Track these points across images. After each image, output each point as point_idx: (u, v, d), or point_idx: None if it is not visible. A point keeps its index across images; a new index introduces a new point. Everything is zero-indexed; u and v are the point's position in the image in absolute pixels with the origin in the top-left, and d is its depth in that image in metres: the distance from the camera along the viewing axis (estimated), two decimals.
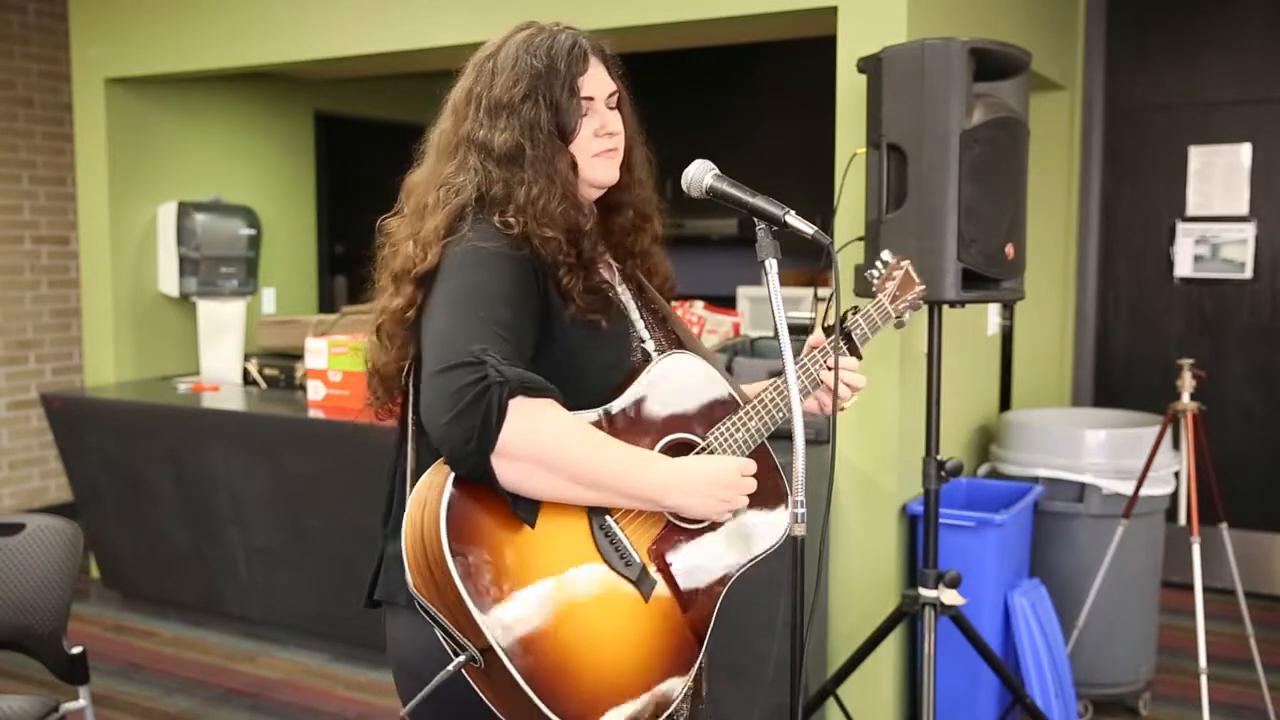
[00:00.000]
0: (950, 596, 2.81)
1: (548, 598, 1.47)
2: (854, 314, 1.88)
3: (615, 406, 1.58)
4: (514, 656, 1.42)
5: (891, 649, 3.32)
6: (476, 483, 1.43)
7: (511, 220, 1.56)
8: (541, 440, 1.42)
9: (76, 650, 2.50)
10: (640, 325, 1.72)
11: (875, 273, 1.99)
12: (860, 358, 1.85)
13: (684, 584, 1.60)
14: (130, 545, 4.64)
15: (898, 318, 1.99)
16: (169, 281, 5.03)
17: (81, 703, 2.55)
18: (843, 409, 1.82)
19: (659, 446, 1.61)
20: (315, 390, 4.23)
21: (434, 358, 1.45)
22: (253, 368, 4.83)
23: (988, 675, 3.20)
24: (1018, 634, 3.28)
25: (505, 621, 1.42)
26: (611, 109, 1.67)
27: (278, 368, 4.73)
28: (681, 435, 1.63)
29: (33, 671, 3.72)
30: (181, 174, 5.20)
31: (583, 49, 1.63)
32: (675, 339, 1.77)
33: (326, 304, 6.10)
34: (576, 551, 1.51)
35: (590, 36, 1.67)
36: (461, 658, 1.45)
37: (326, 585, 4.12)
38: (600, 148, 1.64)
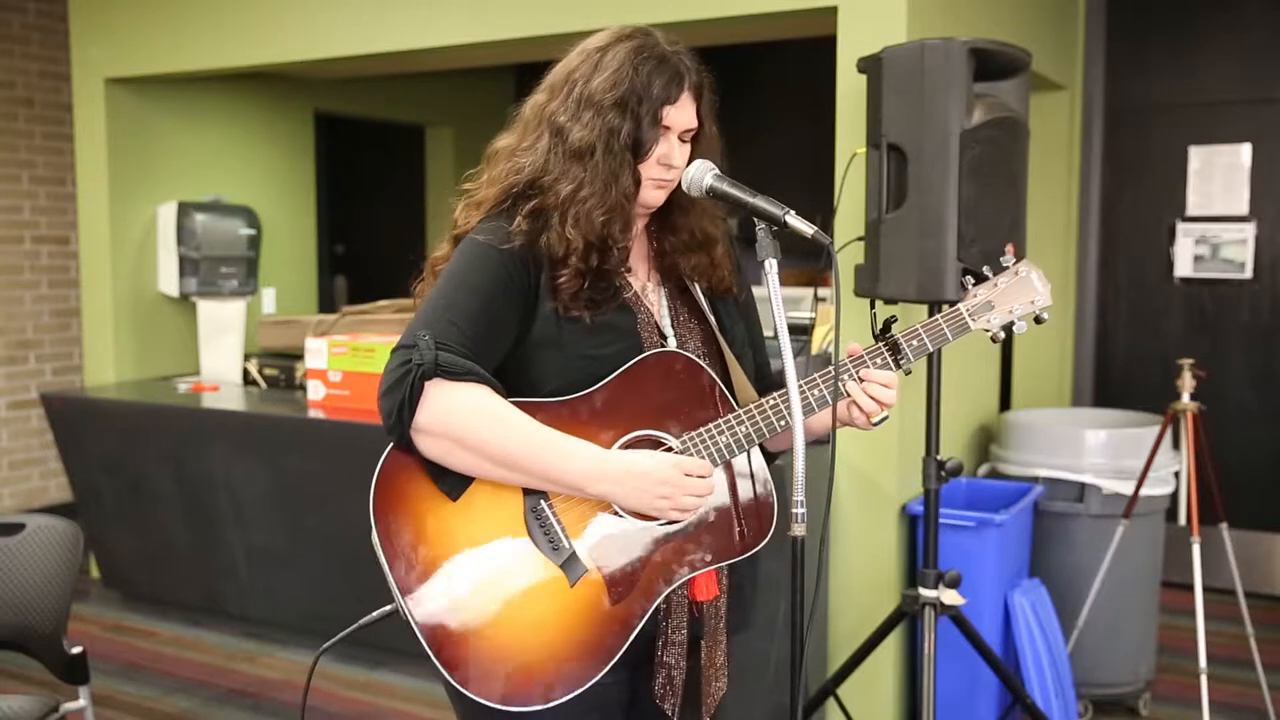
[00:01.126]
0: (950, 596, 2.81)
1: (462, 568, 1.57)
2: (894, 321, 1.75)
3: (580, 395, 1.61)
4: (416, 615, 1.55)
5: (891, 649, 3.32)
6: (413, 452, 1.56)
7: (524, 219, 1.61)
8: (452, 420, 1.52)
9: (76, 650, 2.50)
10: (666, 323, 1.71)
11: (971, 279, 1.81)
12: (908, 372, 1.73)
13: (620, 577, 1.60)
14: (130, 545, 4.64)
15: (990, 331, 1.77)
16: (169, 281, 5.03)
17: (81, 703, 2.55)
18: (873, 424, 1.69)
19: (621, 441, 1.61)
20: (315, 390, 4.23)
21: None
22: (253, 368, 4.83)
23: (988, 675, 3.20)
24: (1018, 634, 3.28)
25: (413, 581, 1.56)
26: (684, 142, 1.68)
27: (278, 368, 4.73)
28: (650, 432, 1.63)
29: (33, 671, 3.72)
30: (181, 174, 5.20)
31: (680, 80, 1.65)
32: (707, 338, 1.74)
33: (326, 304, 6.10)
34: (502, 529, 1.58)
35: (696, 65, 1.69)
36: (389, 606, 1.60)
37: (326, 585, 4.12)
38: (656, 175, 1.66)
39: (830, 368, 1.66)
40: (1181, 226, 4.89)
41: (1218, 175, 4.82)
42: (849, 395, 1.67)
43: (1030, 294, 1.79)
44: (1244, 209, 4.78)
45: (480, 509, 1.58)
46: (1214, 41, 4.82)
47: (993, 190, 2.76)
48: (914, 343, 1.71)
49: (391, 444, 1.57)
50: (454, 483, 1.58)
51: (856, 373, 1.68)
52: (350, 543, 4.03)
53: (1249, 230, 4.77)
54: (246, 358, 4.93)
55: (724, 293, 1.79)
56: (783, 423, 1.65)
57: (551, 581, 1.58)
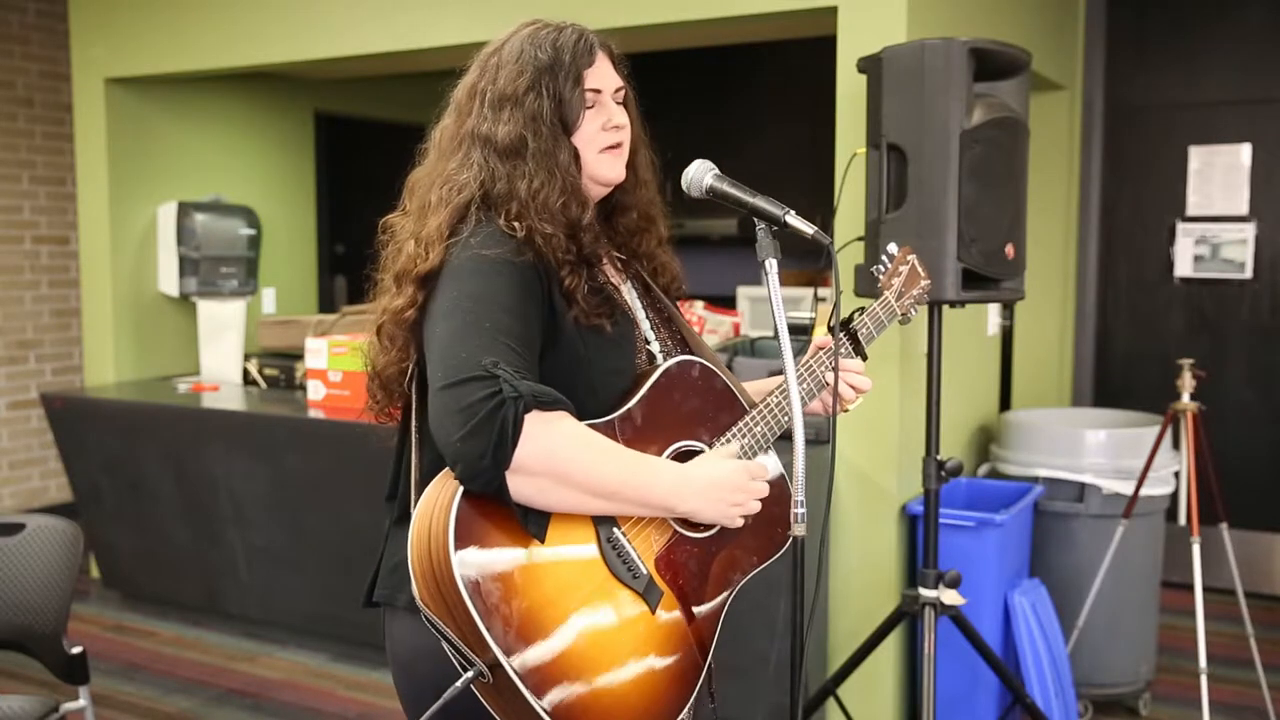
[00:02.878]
0: (950, 596, 2.81)
1: (556, 613, 1.44)
2: (859, 314, 1.85)
3: (621, 413, 1.56)
4: (523, 673, 1.40)
5: (891, 649, 3.32)
6: (483, 496, 1.41)
7: (516, 223, 1.54)
8: (557, 455, 1.41)
9: (76, 650, 2.50)
10: (646, 326, 1.70)
11: (881, 268, 1.96)
12: (865, 358, 1.83)
13: (691, 594, 1.58)
14: (130, 545, 4.65)
15: (903, 314, 1.96)
16: (169, 281, 5.03)
17: (81, 703, 2.55)
18: (847, 410, 1.80)
19: (665, 454, 1.59)
20: (315, 390, 4.23)
21: (442, 371, 1.42)
22: (253, 368, 4.83)
23: (988, 675, 3.20)
24: (1018, 634, 3.28)
25: (514, 638, 1.40)
26: (618, 104, 1.65)
27: (278, 368, 4.73)
28: (687, 443, 1.61)
29: (33, 671, 3.72)
30: (181, 174, 5.20)
31: (589, 43, 1.62)
32: (681, 340, 1.75)
33: (326, 304, 6.10)
34: (584, 565, 1.49)
35: (597, 34, 1.66)
36: (470, 673, 1.43)
37: (326, 585, 4.12)
38: (606, 142, 1.62)
39: (808, 359, 1.76)
40: (1181, 226, 4.89)
41: (1218, 175, 4.82)
42: (829, 384, 1.76)
43: (919, 279, 1.99)
44: (1244, 209, 4.78)
45: (560, 548, 1.47)
46: (1214, 41, 4.82)
47: (993, 190, 2.76)
48: (863, 331, 1.84)
49: (462, 490, 1.40)
50: (540, 523, 1.45)
51: (832, 364, 1.76)
52: (350, 543, 4.04)
53: (1249, 230, 4.77)
54: (246, 358, 4.93)
55: (677, 292, 1.80)
56: (787, 418, 1.67)
57: (638, 613, 1.52)
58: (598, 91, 1.62)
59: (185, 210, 5.00)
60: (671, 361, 1.63)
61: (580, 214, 1.59)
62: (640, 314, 1.71)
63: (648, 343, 1.68)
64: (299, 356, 4.60)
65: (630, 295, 1.72)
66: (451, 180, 1.59)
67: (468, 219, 1.56)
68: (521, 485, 1.40)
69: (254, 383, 4.82)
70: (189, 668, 4.15)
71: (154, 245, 5.07)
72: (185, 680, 4.04)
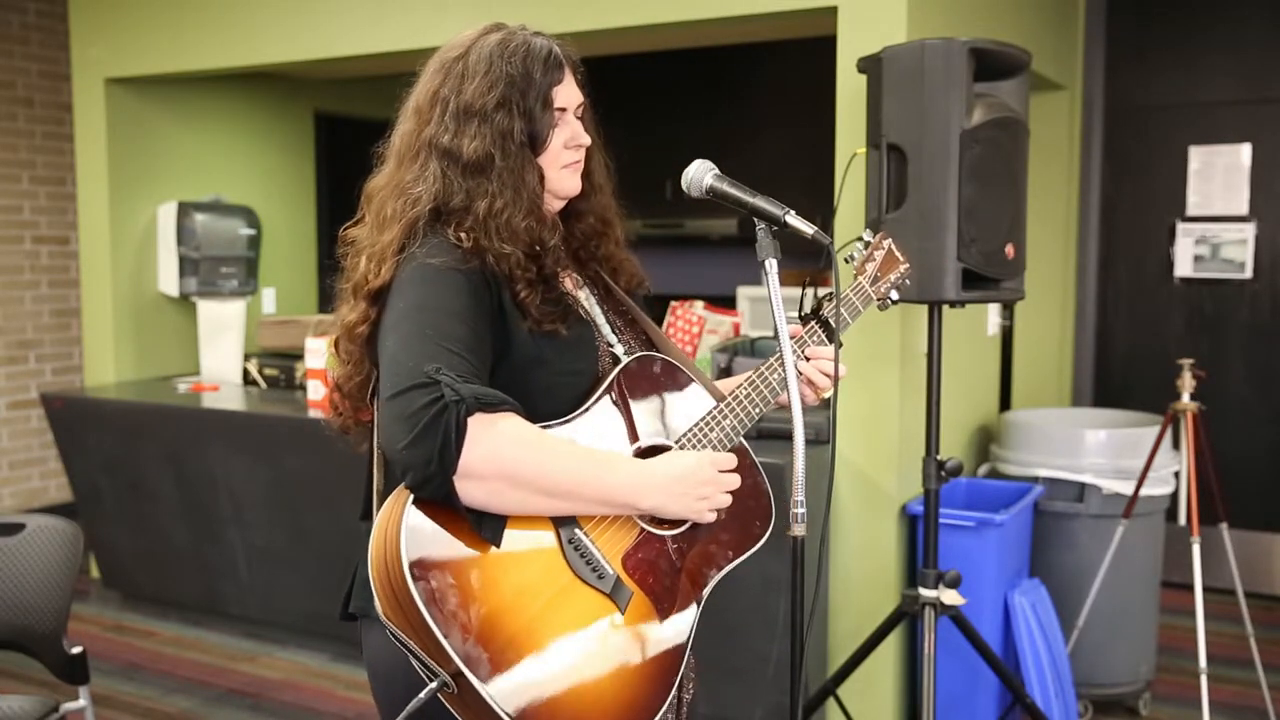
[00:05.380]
0: (950, 596, 2.81)
1: (517, 618, 1.41)
2: (829, 301, 1.81)
3: (582, 413, 1.55)
4: (485, 680, 1.37)
5: (891, 649, 3.32)
6: (438, 504, 1.39)
7: (464, 234, 1.53)
8: (505, 456, 1.39)
9: (76, 650, 2.50)
10: (607, 330, 1.69)
11: (854, 254, 1.95)
12: (840, 345, 1.79)
13: (659, 592, 1.55)
14: (130, 545, 4.64)
15: (880, 299, 1.94)
16: (169, 281, 5.03)
17: (81, 703, 2.55)
18: (821, 398, 1.79)
19: (631, 451, 1.58)
20: (315, 390, 4.23)
21: (388, 382, 1.41)
22: (253, 368, 4.83)
23: (988, 675, 3.20)
24: (1018, 634, 3.28)
25: (473, 645, 1.37)
26: (578, 119, 1.66)
27: (278, 368, 4.73)
28: (652, 440, 1.60)
29: (33, 671, 3.72)
30: (181, 174, 5.19)
31: (558, 58, 1.61)
32: (646, 341, 1.73)
33: (326, 304, 6.09)
34: (545, 567, 1.46)
35: (561, 44, 1.65)
36: (434, 683, 1.40)
37: (326, 585, 4.12)
38: (569, 160, 1.63)
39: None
40: (1181, 226, 4.89)
41: (1218, 175, 4.82)
42: (802, 373, 1.76)
43: (898, 263, 1.96)
44: (1244, 209, 4.78)
45: (519, 550, 1.44)
46: (1214, 41, 4.82)
47: (993, 190, 2.76)
48: (835, 318, 1.81)
49: (412, 498, 1.39)
50: (495, 527, 1.42)
51: (803, 352, 1.77)
52: (350, 543, 4.04)
53: (1249, 230, 4.77)
54: (246, 358, 4.93)
55: (638, 287, 1.79)
56: (758, 410, 1.68)
57: (605, 613, 1.49)
58: (563, 110, 1.62)
59: (185, 210, 5.00)
60: (631, 358, 1.62)
61: (544, 234, 1.58)
62: (600, 319, 1.69)
63: (610, 346, 1.66)
64: (299, 356, 4.60)
65: (589, 302, 1.70)
66: (406, 193, 1.57)
67: (416, 232, 1.54)
68: (472, 490, 1.38)
69: (254, 383, 4.82)
70: (189, 668, 4.15)
71: (154, 245, 5.07)
72: (185, 680, 4.04)
